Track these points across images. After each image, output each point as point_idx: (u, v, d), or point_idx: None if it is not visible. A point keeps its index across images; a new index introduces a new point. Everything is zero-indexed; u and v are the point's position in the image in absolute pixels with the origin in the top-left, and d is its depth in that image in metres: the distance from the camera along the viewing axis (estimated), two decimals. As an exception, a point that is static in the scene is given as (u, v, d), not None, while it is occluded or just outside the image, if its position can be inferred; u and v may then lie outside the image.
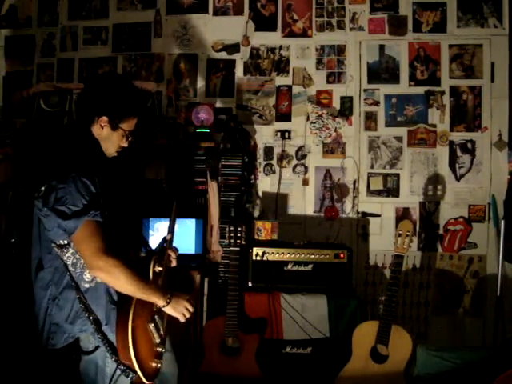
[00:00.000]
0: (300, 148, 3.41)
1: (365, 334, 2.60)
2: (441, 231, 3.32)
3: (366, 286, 3.35)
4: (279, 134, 3.41)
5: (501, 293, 2.86)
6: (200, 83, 3.51)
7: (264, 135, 3.44)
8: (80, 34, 3.60)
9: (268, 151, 3.44)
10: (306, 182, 3.41)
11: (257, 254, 2.88)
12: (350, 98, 3.38)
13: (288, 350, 2.79)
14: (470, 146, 3.30)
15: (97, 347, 1.81)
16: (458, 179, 3.32)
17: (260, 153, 3.43)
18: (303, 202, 3.42)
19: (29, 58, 3.66)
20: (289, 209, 3.42)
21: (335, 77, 3.40)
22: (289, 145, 3.41)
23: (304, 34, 3.42)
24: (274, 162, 3.44)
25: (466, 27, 3.29)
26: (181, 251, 3.23)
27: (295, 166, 3.42)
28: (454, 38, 3.30)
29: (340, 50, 3.39)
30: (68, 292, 1.79)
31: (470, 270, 3.29)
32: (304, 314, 2.76)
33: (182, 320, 1.91)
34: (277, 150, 3.43)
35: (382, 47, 3.37)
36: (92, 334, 1.80)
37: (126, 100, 1.88)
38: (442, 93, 3.31)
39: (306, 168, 3.41)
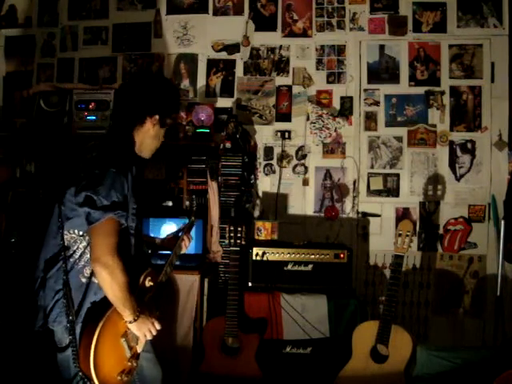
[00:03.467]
0: (300, 148, 3.41)
1: (365, 334, 2.60)
2: (441, 231, 3.32)
3: (366, 286, 3.35)
4: (279, 134, 3.41)
5: (501, 293, 2.86)
6: (200, 83, 3.51)
7: (264, 135, 3.44)
8: (80, 34, 3.61)
9: (268, 151, 3.44)
10: (305, 182, 3.41)
11: (257, 254, 2.88)
12: (350, 98, 3.39)
13: (288, 350, 2.78)
14: (469, 145, 3.30)
15: (69, 345, 1.79)
16: (458, 179, 3.32)
17: (260, 153, 3.43)
18: (303, 202, 3.42)
19: (29, 58, 3.66)
20: (289, 209, 3.42)
21: (335, 77, 3.40)
22: (289, 145, 3.42)
23: (304, 33, 3.42)
24: (274, 162, 3.44)
25: (466, 27, 3.29)
26: (181, 251, 3.24)
27: (295, 166, 3.42)
28: (453, 37, 3.30)
29: (340, 49, 3.39)
30: (58, 281, 1.80)
31: (470, 270, 3.29)
32: (304, 314, 2.76)
33: (142, 340, 1.88)
34: (277, 150, 3.43)
35: (382, 47, 3.37)
36: (66, 330, 1.79)
37: (173, 97, 2.00)
38: (442, 93, 3.31)
39: (306, 168, 3.41)
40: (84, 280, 1.80)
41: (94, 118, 3.25)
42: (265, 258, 2.87)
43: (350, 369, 2.59)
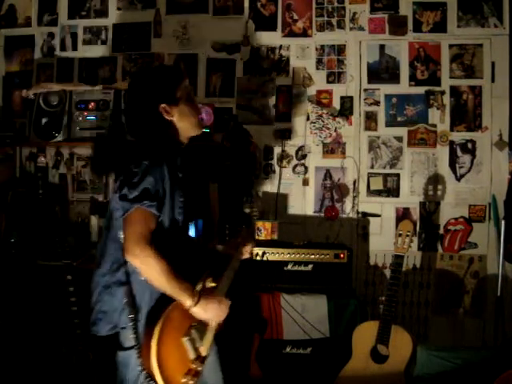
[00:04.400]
0: (300, 148, 3.41)
1: (365, 334, 2.60)
2: (441, 231, 3.31)
3: (366, 286, 3.35)
4: (279, 133, 3.40)
5: (501, 293, 2.86)
6: (200, 83, 3.50)
7: (264, 135, 3.43)
8: (80, 34, 3.60)
9: (268, 151, 3.43)
10: (306, 182, 3.41)
11: (257, 254, 2.88)
12: (350, 98, 3.38)
13: (288, 350, 2.78)
14: (470, 145, 3.30)
15: (133, 345, 1.76)
16: (458, 179, 3.31)
17: (260, 153, 3.43)
18: (303, 202, 3.42)
19: (29, 58, 3.66)
20: (289, 209, 3.42)
21: (335, 77, 3.40)
22: (289, 145, 3.41)
23: (304, 33, 3.41)
24: (274, 162, 3.43)
25: (467, 27, 3.29)
26: (181, 251, 3.24)
27: (295, 166, 3.42)
28: (454, 37, 3.30)
29: (340, 49, 3.39)
30: (120, 283, 1.80)
31: (471, 270, 3.28)
32: (304, 314, 2.76)
33: (212, 324, 1.83)
34: (277, 150, 3.42)
35: (382, 47, 3.37)
36: (131, 330, 1.76)
37: (160, 79, 1.89)
38: (442, 93, 3.31)
39: (306, 168, 3.41)
40: (143, 277, 1.76)
41: (93, 117, 3.25)
42: (265, 258, 2.87)
43: (349, 369, 2.59)
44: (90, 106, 3.25)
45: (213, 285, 1.87)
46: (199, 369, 1.79)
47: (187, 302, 1.73)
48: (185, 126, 1.90)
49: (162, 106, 1.84)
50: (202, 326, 1.81)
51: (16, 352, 2.97)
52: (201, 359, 1.80)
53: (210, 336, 1.86)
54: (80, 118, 3.26)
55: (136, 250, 1.69)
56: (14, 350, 2.97)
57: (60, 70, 3.62)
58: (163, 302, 1.75)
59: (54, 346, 2.88)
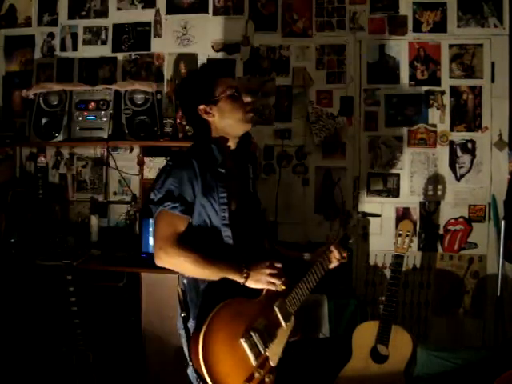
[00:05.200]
0: (300, 148, 3.41)
1: (365, 334, 2.60)
2: (441, 231, 3.31)
3: (366, 286, 3.35)
4: (279, 133, 3.40)
5: (501, 293, 2.86)
6: (200, 83, 3.50)
7: (264, 135, 3.43)
8: (80, 34, 3.60)
9: (268, 151, 3.43)
10: (305, 182, 3.41)
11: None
12: (350, 98, 3.38)
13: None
14: (470, 145, 3.30)
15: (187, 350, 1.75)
16: (458, 179, 3.31)
17: (260, 153, 3.43)
18: (303, 202, 3.41)
19: (29, 58, 3.66)
20: (289, 209, 3.42)
21: (335, 77, 3.40)
22: (289, 145, 3.41)
23: (304, 33, 3.41)
24: (274, 161, 3.43)
25: (466, 27, 3.28)
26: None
27: (295, 166, 3.42)
28: (454, 37, 3.29)
29: (340, 49, 3.39)
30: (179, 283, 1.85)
31: (470, 270, 3.28)
32: (304, 314, 2.76)
33: (274, 288, 1.75)
34: (277, 150, 3.42)
35: (382, 47, 3.36)
36: (183, 333, 1.77)
37: (198, 80, 1.90)
38: (442, 93, 3.31)
39: (306, 168, 3.41)
40: (185, 276, 1.81)
41: (93, 117, 3.25)
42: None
43: (349, 369, 2.59)
44: (90, 106, 3.26)
45: (283, 288, 1.79)
46: (266, 380, 1.69)
47: (238, 278, 1.71)
48: (228, 123, 1.86)
49: (201, 107, 1.85)
50: (266, 328, 1.72)
51: (16, 352, 2.97)
52: (267, 368, 1.70)
53: (278, 343, 1.76)
54: (80, 118, 3.26)
55: (161, 254, 1.71)
56: (14, 349, 2.97)
57: (60, 70, 3.62)
58: (212, 300, 1.68)
59: (54, 346, 2.89)
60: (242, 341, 1.66)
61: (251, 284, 1.73)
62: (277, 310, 1.77)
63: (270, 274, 1.74)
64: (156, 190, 1.75)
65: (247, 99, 1.87)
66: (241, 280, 1.72)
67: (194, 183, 1.75)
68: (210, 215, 1.77)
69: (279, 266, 1.77)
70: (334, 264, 2.01)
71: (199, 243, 1.76)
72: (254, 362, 1.67)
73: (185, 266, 1.71)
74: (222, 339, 1.64)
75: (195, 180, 1.75)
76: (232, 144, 1.90)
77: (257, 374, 1.67)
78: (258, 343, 1.69)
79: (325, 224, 3.37)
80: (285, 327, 1.80)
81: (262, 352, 1.70)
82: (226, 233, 1.77)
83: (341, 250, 2.02)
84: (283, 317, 1.79)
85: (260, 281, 1.73)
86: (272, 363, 1.74)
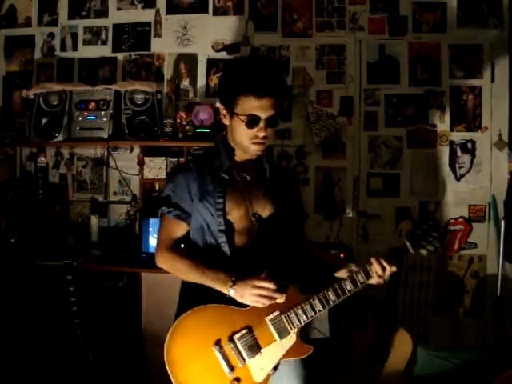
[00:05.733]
0: (300, 148, 3.41)
1: (365, 333, 2.60)
2: (441, 231, 3.31)
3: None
4: (279, 133, 3.40)
5: (501, 293, 2.86)
6: (200, 83, 3.50)
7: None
8: (80, 34, 3.60)
9: (268, 151, 3.43)
10: (305, 182, 3.41)
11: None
12: (350, 98, 3.38)
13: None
14: (470, 146, 3.30)
15: None
16: (458, 179, 3.31)
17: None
18: (303, 202, 3.41)
19: (29, 58, 3.66)
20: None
21: (335, 77, 3.40)
22: (289, 145, 3.41)
23: (304, 33, 3.41)
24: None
25: (466, 27, 3.29)
26: (181, 251, 3.24)
27: (295, 166, 3.42)
28: (454, 37, 3.30)
29: (340, 49, 3.39)
30: None
31: (470, 270, 3.28)
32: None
33: (260, 306, 1.61)
34: (277, 150, 3.42)
35: (382, 47, 3.36)
36: None
37: (232, 78, 1.70)
38: (442, 93, 3.31)
39: (306, 168, 3.41)
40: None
41: (93, 117, 3.26)
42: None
43: (350, 369, 2.59)
44: (90, 106, 3.26)
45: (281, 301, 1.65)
46: None
47: (223, 290, 1.63)
48: (235, 138, 1.76)
49: (220, 106, 1.76)
50: (248, 341, 1.63)
51: (16, 352, 2.97)
52: (248, 383, 1.61)
53: (267, 359, 1.63)
54: (80, 118, 3.27)
55: (157, 256, 1.79)
56: (14, 349, 2.97)
57: (60, 70, 3.62)
58: (190, 303, 1.67)
59: (54, 346, 2.88)
60: (214, 349, 1.61)
61: (236, 298, 1.63)
62: (269, 323, 1.64)
63: (256, 294, 1.60)
64: (160, 194, 1.82)
65: (261, 134, 1.70)
66: (226, 292, 1.63)
67: (190, 188, 1.75)
68: (207, 220, 1.73)
69: (270, 286, 1.60)
70: (373, 280, 1.72)
71: (197, 248, 1.76)
72: (228, 374, 1.61)
73: (175, 269, 1.75)
74: (188, 345, 1.62)
75: (192, 184, 1.75)
76: (248, 155, 1.80)
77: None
78: (234, 354, 1.61)
79: (325, 224, 3.37)
80: (279, 343, 1.64)
81: (240, 365, 1.61)
82: (222, 239, 1.72)
83: (385, 263, 1.71)
84: (277, 332, 1.63)
85: (244, 297, 1.61)
86: (256, 379, 1.62)
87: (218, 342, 1.62)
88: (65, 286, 2.73)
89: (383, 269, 1.70)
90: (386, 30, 3.35)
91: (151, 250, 3.24)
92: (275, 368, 1.65)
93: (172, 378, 1.64)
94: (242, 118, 1.68)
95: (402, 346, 2.53)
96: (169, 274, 3.08)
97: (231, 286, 1.62)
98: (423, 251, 1.77)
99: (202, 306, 1.64)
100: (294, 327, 1.64)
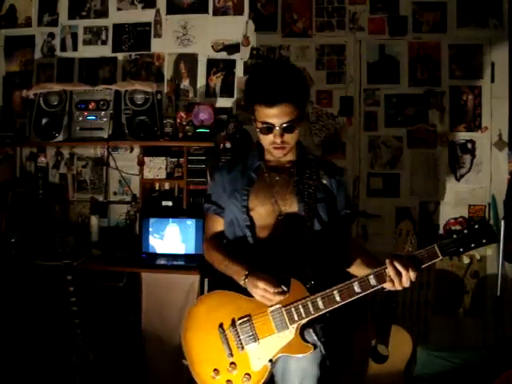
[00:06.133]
0: (300, 148, 3.40)
1: (365, 333, 2.60)
2: (441, 231, 3.31)
3: (366, 286, 3.34)
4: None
5: (501, 293, 2.86)
6: (200, 83, 3.51)
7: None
8: (80, 34, 3.60)
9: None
10: (306, 182, 3.40)
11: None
12: (350, 98, 3.38)
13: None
14: (470, 146, 3.30)
15: None
16: (457, 179, 3.31)
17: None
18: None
19: (29, 58, 3.66)
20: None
21: (335, 77, 3.40)
22: (289, 145, 3.41)
23: (304, 34, 3.41)
24: (274, 162, 3.43)
25: (466, 27, 3.29)
26: (181, 251, 3.26)
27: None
28: (453, 38, 3.30)
29: (340, 49, 3.39)
30: None
31: (470, 270, 3.28)
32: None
33: (265, 302, 1.66)
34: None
35: (382, 47, 3.37)
36: None
37: (249, 86, 1.79)
38: (442, 93, 3.31)
39: (306, 168, 3.40)
40: None
41: (94, 118, 3.26)
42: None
43: (350, 369, 2.59)
44: (90, 106, 3.26)
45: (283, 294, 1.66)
46: (234, 373, 1.67)
47: (239, 282, 1.72)
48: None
49: (253, 107, 1.80)
50: (249, 329, 1.68)
51: (16, 352, 2.97)
52: (245, 370, 1.66)
53: (264, 350, 1.66)
54: (80, 118, 3.27)
55: (202, 247, 1.98)
56: (14, 349, 2.97)
57: (60, 70, 3.62)
58: (214, 287, 1.87)
59: (54, 346, 2.89)
60: (218, 332, 1.72)
61: (249, 290, 1.70)
62: (270, 315, 1.67)
63: (261, 294, 1.66)
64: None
65: (276, 140, 1.75)
66: (241, 283, 1.72)
67: (224, 185, 1.90)
68: (236, 215, 1.83)
69: (271, 290, 1.63)
70: (388, 285, 1.61)
71: (230, 240, 1.88)
72: (228, 357, 1.70)
73: (211, 260, 1.90)
74: (198, 325, 1.77)
75: (225, 181, 1.90)
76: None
77: (229, 370, 1.68)
78: (234, 339, 1.69)
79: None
80: (277, 335, 1.66)
81: (239, 350, 1.68)
82: (248, 233, 1.80)
83: (400, 266, 1.58)
84: (276, 324, 1.66)
85: (252, 292, 1.68)
86: (252, 367, 1.67)
87: (221, 325, 1.72)
88: (65, 286, 2.73)
89: (398, 274, 1.58)
90: (386, 30, 3.35)
91: (151, 250, 3.25)
92: (272, 361, 1.66)
93: (185, 355, 1.79)
94: (258, 124, 1.78)
95: (402, 346, 2.53)
96: (169, 273, 3.11)
97: (243, 280, 1.70)
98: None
99: (208, 293, 1.82)
100: (294, 322, 1.65)
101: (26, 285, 3.06)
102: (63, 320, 2.84)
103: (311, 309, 1.63)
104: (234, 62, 3.47)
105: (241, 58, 3.45)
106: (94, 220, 3.42)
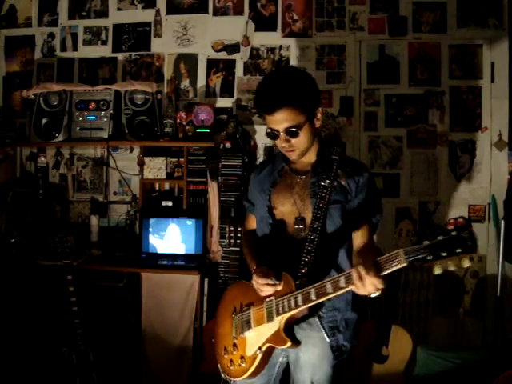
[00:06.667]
0: (300, 148, 3.40)
1: (365, 334, 2.60)
2: (441, 231, 3.31)
3: (366, 286, 3.35)
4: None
5: (501, 293, 2.86)
6: (200, 83, 3.51)
7: (264, 135, 3.42)
8: (80, 34, 3.61)
9: (268, 151, 3.43)
10: (306, 182, 3.41)
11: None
12: (350, 98, 3.38)
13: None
14: (470, 146, 3.30)
15: None
16: (458, 179, 3.31)
17: (260, 153, 3.43)
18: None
19: (29, 58, 3.66)
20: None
21: (335, 77, 3.40)
22: (289, 145, 3.41)
23: (304, 34, 3.41)
24: (274, 162, 3.43)
25: (466, 27, 3.29)
26: (181, 251, 3.26)
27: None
28: (453, 38, 3.30)
29: (340, 49, 3.39)
30: None
31: (470, 270, 3.28)
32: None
33: (261, 294, 1.78)
34: (277, 150, 3.41)
35: (382, 47, 3.37)
36: None
37: (256, 94, 1.86)
38: (442, 93, 3.31)
39: (306, 168, 3.40)
40: None
41: (93, 117, 3.26)
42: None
43: (350, 369, 2.59)
44: (90, 106, 3.26)
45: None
46: (238, 364, 1.80)
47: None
48: None
49: (261, 115, 2.02)
50: (249, 316, 1.81)
51: (16, 352, 2.97)
52: (241, 353, 1.80)
53: (256, 337, 1.76)
54: (80, 118, 3.27)
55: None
56: (14, 349, 2.98)
57: (60, 70, 3.63)
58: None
59: (54, 346, 2.89)
60: (232, 315, 1.88)
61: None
62: (264, 305, 1.77)
63: (256, 286, 1.78)
64: None
65: (283, 145, 1.82)
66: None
67: (255, 185, 2.01)
68: (262, 213, 1.93)
69: (263, 282, 1.73)
70: (353, 288, 1.55)
71: (260, 236, 1.96)
72: (234, 339, 1.85)
73: (243, 252, 2.06)
74: (222, 308, 1.97)
75: (256, 182, 2.01)
76: (305, 157, 1.88)
77: (231, 351, 1.83)
78: (238, 325, 1.84)
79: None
80: (266, 325, 1.74)
81: (240, 334, 1.82)
82: (270, 231, 1.89)
83: (364, 270, 1.49)
84: (267, 315, 1.75)
85: (253, 284, 1.81)
86: (247, 351, 1.79)
87: (234, 310, 1.89)
88: (65, 286, 2.73)
89: (359, 278, 1.51)
90: (386, 30, 3.35)
91: (151, 250, 3.25)
92: (260, 349, 1.75)
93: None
94: (268, 130, 1.86)
95: (402, 346, 2.53)
96: (169, 274, 3.12)
97: (252, 272, 1.83)
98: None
99: (237, 281, 2.08)
100: (279, 314, 1.71)
101: (26, 285, 3.06)
102: (63, 320, 2.84)
103: (292, 304, 1.68)
104: (233, 61, 3.47)
105: (241, 58, 3.46)
106: (94, 220, 3.42)
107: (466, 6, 3.28)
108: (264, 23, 3.44)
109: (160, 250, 3.24)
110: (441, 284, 3.31)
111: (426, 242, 1.39)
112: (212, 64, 3.49)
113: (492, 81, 3.26)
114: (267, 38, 3.44)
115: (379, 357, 2.56)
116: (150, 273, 3.01)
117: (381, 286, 1.50)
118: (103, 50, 3.59)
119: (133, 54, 3.56)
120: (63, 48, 3.63)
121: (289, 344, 1.69)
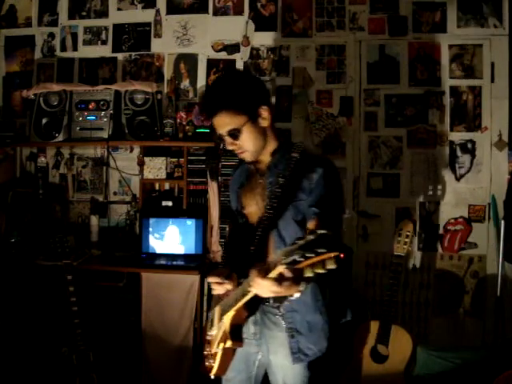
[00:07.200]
0: (300, 148, 3.40)
1: (365, 333, 2.60)
2: (441, 231, 3.31)
3: (366, 286, 3.35)
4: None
5: (501, 293, 2.86)
6: (200, 83, 3.51)
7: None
8: (80, 34, 3.61)
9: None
10: (306, 182, 3.40)
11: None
12: (350, 98, 3.38)
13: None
14: (470, 145, 3.30)
15: None
16: (458, 179, 3.31)
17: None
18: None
19: (29, 58, 3.66)
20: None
21: (335, 77, 3.40)
22: (289, 145, 3.41)
23: (304, 34, 3.41)
24: (274, 162, 3.43)
25: (466, 27, 3.28)
26: (181, 251, 3.26)
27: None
28: (453, 38, 3.29)
29: (340, 49, 3.39)
30: None
31: (470, 270, 3.28)
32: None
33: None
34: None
35: (382, 47, 3.37)
36: None
37: (203, 97, 1.94)
38: (442, 93, 3.31)
39: (306, 168, 3.40)
40: None
41: (93, 118, 3.26)
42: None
43: (350, 369, 2.59)
44: (90, 106, 3.26)
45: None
46: (208, 360, 1.84)
47: None
48: None
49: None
50: (212, 313, 1.89)
51: (16, 352, 2.97)
52: (211, 348, 1.83)
53: (216, 336, 1.80)
54: (80, 118, 3.27)
55: None
56: (14, 349, 2.98)
57: (60, 70, 3.63)
58: None
59: (54, 346, 2.89)
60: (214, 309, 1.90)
61: None
62: (220, 303, 1.83)
63: (211, 286, 1.83)
64: None
65: (230, 147, 1.82)
66: None
67: (231, 186, 2.06)
68: (235, 213, 2.00)
69: (212, 280, 1.79)
70: (252, 288, 1.51)
71: (238, 235, 1.99)
72: (207, 336, 1.90)
73: None
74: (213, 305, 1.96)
75: (232, 183, 2.06)
76: (263, 160, 1.88)
77: (206, 348, 1.88)
78: (209, 322, 1.91)
79: (325, 224, 3.36)
80: (221, 323, 1.78)
81: (208, 332, 1.89)
82: (242, 230, 1.92)
83: (255, 273, 1.43)
84: (220, 313, 1.80)
85: None
86: (213, 349, 1.82)
87: (214, 307, 1.92)
88: (65, 286, 2.73)
89: (252, 280, 1.48)
90: (386, 30, 3.35)
91: (151, 250, 3.25)
92: (218, 346, 1.77)
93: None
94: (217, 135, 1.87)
95: (402, 346, 2.53)
96: (169, 274, 3.12)
97: None
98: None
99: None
100: (224, 313, 1.75)
101: (26, 285, 3.06)
102: (63, 320, 2.84)
103: (231, 302, 1.71)
104: (233, 62, 3.47)
105: (241, 58, 3.45)
106: (94, 220, 3.42)
107: (466, 5, 3.28)
108: (264, 23, 3.44)
109: (160, 250, 3.24)
110: (441, 284, 3.31)
111: (301, 242, 1.23)
112: (212, 64, 3.49)
113: (492, 81, 3.26)
114: (267, 37, 3.44)
115: (379, 357, 2.56)
116: (150, 273, 3.01)
117: (274, 289, 1.37)
118: (103, 50, 3.59)
119: (133, 54, 3.56)
120: (63, 48, 3.63)
121: (229, 343, 1.69)
